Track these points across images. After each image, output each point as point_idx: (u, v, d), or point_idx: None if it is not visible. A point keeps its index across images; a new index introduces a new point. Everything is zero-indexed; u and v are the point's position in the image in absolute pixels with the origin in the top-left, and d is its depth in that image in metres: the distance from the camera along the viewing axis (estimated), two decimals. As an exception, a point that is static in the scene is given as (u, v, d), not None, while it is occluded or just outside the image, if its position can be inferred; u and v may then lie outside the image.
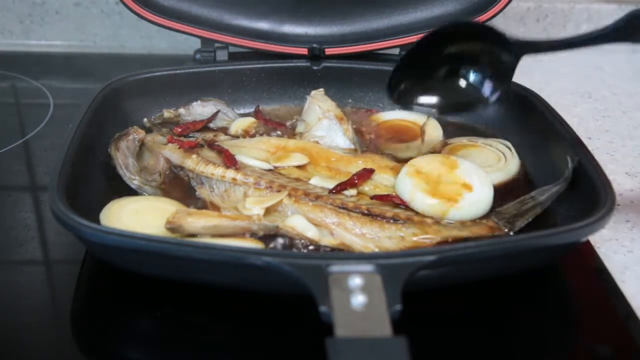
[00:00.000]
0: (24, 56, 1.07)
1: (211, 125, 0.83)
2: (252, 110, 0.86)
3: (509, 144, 0.78)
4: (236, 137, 0.80)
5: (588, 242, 0.69)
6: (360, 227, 0.65)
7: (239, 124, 0.82)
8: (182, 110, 0.83)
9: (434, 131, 0.82)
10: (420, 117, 0.84)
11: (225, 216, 0.66)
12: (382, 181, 0.72)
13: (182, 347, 0.57)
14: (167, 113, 0.82)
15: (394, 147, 0.79)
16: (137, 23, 0.90)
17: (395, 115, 0.85)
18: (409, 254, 0.55)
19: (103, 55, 1.09)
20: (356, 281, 0.51)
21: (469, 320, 0.61)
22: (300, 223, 0.66)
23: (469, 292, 0.61)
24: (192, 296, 0.60)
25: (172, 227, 0.63)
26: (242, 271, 0.55)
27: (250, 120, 0.83)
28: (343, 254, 0.63)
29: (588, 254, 0.69)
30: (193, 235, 0.64)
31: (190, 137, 0.80)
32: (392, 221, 0.66)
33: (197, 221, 0.64)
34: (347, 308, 0.49)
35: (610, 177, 0.64)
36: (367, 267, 0.52)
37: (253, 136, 0.80)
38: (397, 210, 0.67)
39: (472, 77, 0.71)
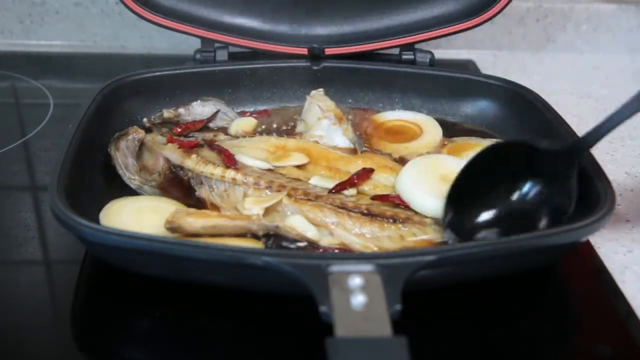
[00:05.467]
0: (24, 56, 1.07)
1: (211, 125, 0.82)
2: (252, 110, 0.86)
3: (509, 144, 0.78)
4: (236, 137, 0.80)
5: (588, 242, 0.69)
6: (359, 227, 0.65)
7: (239, 124, 0.82)
8: (182, 110, 0.82)
9: (434, 131, 0.82)
10: (421, 117, 0.84)
11: (224, 216, 0.66)
12: (382, 181, 0.72)
13: (182, 347, 0.57)
14: (167, 113, 0.82)
15: (394, 147, 0.79)
16: (137, 23, 0.90)
17: (395, 115, 0.85)
18: (409, 254, 0.55)
19: (103, 55, 1.09)
20: (356, 281, 0.51)
21: (468, 320, 0.61)
22: (300, 223, 0.66)
23: (469, 292, 0.61)
24: (192, 296, 0.60)
25: (171, 227, 0.63)
26: (242, 271, 0.55)
27: (250, 120, 0.83)
28: (343, 254, 0.63)
29: (588, 254, 0.69)
30: (193, 235, 0.64)
31: (190, 137, 0.79)
32: (391, 221, 0.66)
33: (196, 221, 0.64)
34: (347, 308, 0.49)
35: (610, 177, 0.64)
36: (367, 267, 0.52)
37: (254, 135, 0.80)
38: (397, 210, 0.67)
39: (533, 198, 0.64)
